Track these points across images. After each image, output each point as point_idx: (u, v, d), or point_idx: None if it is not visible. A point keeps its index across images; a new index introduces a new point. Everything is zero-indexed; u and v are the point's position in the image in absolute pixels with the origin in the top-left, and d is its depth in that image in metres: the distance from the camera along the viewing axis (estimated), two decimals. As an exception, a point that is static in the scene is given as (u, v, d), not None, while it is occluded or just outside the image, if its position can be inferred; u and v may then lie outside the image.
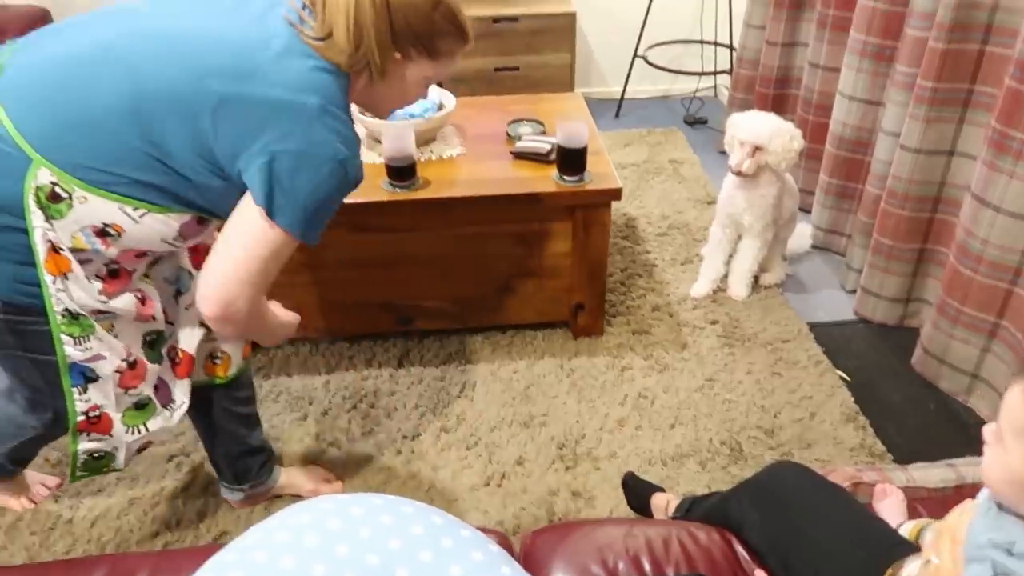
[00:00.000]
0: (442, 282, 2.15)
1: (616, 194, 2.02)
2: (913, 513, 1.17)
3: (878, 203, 2.27)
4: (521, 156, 2.13)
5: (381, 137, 2.11)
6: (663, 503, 1.55)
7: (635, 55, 3.60)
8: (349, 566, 0.83)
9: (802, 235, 2.62)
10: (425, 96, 1.36)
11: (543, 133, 2.24)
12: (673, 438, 1.92)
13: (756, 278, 2.46)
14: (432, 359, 2.18)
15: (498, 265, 2.13)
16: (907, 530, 1.06)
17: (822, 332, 2.28)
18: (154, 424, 1.36)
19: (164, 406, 1.38)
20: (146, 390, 1.33)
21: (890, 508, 1.16)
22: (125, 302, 1.23)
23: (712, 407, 2.01)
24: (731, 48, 3.56)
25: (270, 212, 1.11)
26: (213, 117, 1.08)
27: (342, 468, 1.85)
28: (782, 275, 2.51)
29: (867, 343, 2.27)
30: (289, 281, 2.08)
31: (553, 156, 2.10)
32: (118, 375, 1.25)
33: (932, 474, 1.30)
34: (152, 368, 1.33)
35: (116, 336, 1.24)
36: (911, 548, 0.98)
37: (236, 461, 1.65)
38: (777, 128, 2.17)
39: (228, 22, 1.14)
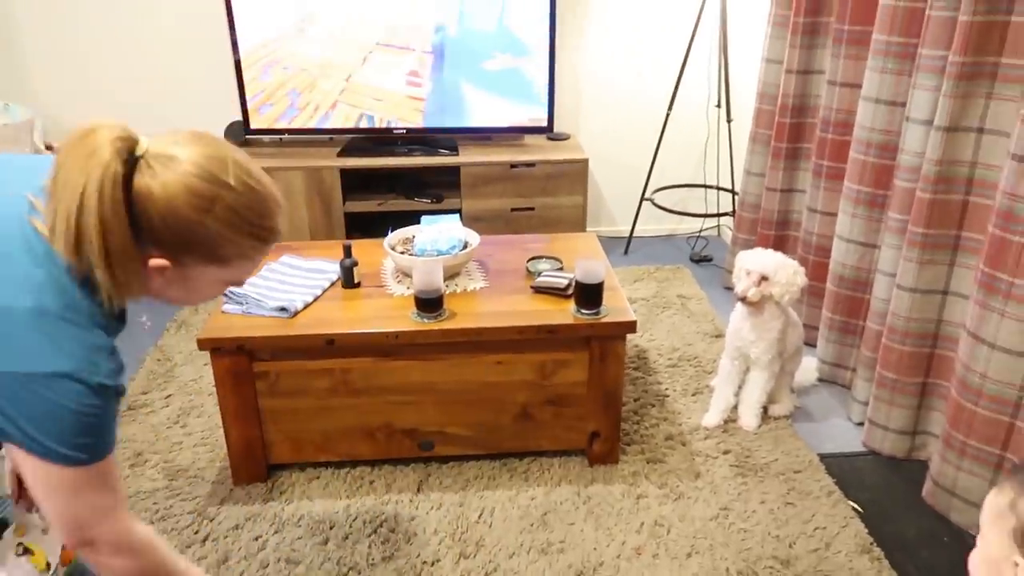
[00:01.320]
0: (464, 409, 2.23)
1: (631, 327, 2.14)
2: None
3: (879, 338, 2.38)
4: (541, 291, 2.27)
5: (410, 271, 2.26)
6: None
7: (643, 197, 3.84)
8: None
9: (808, 368, 2.71)
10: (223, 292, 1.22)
11: (560, 269, 2.39)
12: (690, 567, 1.94)
13: (765, 409, 2.54)
14: (451, 484, 2.23)
15: (518, 393, 2.22)
16: None
17: (832, 463, 2.33)
18: None
19: None
20: None
21: None
22: None
23: (727, 536, 2.04)
24: (732, 192, 3.80)
25: (28, 449, 0.97)
26: None
27: (362, 593, 1.87)
28: (791, 407, 2.58)
29: (877, 475, 2.31)
30: (315, 406, 2.17)
31: (571, 291, 2.24)
32: None
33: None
34: None
35: None
36: None
37: None
38: (783, 262, 2.32)
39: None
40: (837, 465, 2.33)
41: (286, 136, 3.77)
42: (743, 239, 3.39)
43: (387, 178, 3.77)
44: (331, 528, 2.07)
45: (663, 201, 3.89)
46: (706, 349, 2.96)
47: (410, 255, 2.31)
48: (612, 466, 2.30)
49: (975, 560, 0.87)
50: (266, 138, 3.84)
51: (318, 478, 2.25)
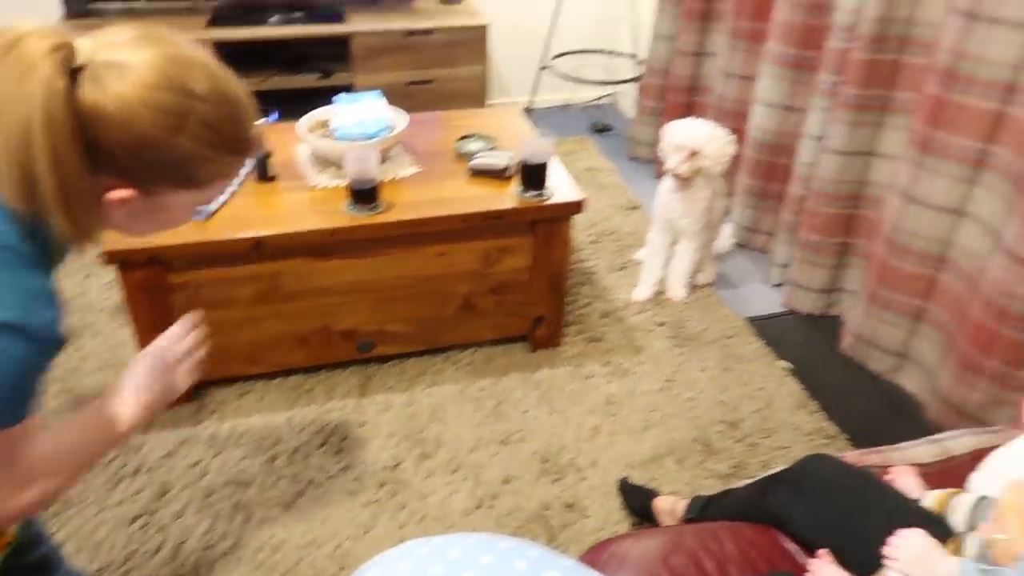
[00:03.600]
0: (403, 305, 2.11)
1: (578, 207, 2.06)
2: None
3: (802, 202, 2.44)
4: (478, 173, 2.13)
5: (336, 159, 2.05)
6: (668, 506, 1.61)
7: (542, 65, 3.67)
8: None
9: (724, 235, 2.77)
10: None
11: (493, 149, 2.25)
12: (647, 440, 1.99)
13: (691, 279, 2.58)
14: (396, 384, 2.15)
15: (460, 284, 2.12)
16: (930, 502, 1.16)
17: (759, 325, 2.43)
18: None
19: None
20: None
21: (909, 486, 1.26)
22: None
23: (676, 407, 2.10)
24: (634, 59, 3.70)
25: None
26: None
27: (326, 507, 1.79)
28: (713, 274, 2.64)
29: (800, 333, 2.43)
30: (242, 316, 1.99)
31: (509, 172, 2.12)
32: None
33: (922, 451, 1.43)
34: None
35: None
36: (942, 523, 1.09)
37: None
38: (712, 134, 2.29)
39: None
40: (763, 327, 2.43)
41: (139, 5, 3.27)
42: (650, 107, 3.34)
43: (264, 52, 3.38)
44: (276, 444, 1.95)
45: (560, 68, 3.74)
46: (624, 222, 2.95)
47: (331, 140, 2.09)
48: (555, 349, 2.28)
49: None
50: (113, 7, 3.32)
51: (250, 392, 2.10)
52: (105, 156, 0.80)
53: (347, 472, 1.88)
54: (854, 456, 1.41)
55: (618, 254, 2.75)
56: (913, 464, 1.40)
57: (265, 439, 1.96)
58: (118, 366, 2.19)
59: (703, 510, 1.48)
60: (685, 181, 2.35)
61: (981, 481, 1.28)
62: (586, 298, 2.51)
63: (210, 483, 1.84)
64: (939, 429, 1.90)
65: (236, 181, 2.02)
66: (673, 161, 2.30)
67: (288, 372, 2.16)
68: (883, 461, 1.40)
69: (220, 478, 1.85)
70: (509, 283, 2.16)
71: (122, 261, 1.83)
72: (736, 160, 2.84)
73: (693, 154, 2.28)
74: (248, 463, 1.89)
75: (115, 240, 1.82)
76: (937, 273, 2.05)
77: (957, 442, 1.45)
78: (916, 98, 2.05)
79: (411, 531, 1.73)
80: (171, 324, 1.92)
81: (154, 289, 1.89)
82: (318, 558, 1.68)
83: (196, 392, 2.09)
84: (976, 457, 1.33)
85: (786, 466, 1.34)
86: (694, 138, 2.27)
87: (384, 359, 2.21)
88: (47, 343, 0.84)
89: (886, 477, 1.29)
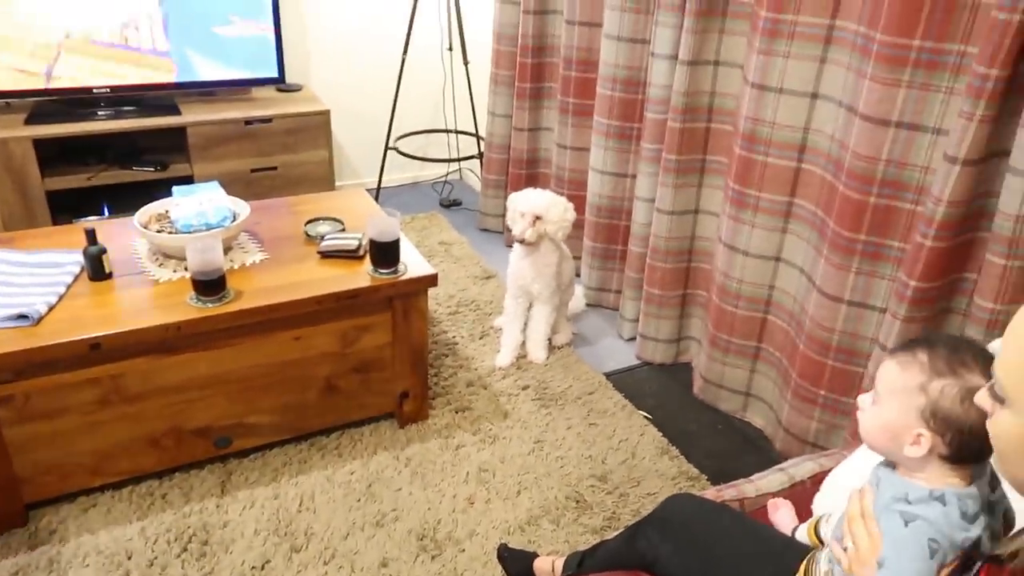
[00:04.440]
0: (262, 395, 2.04)
1: (432, 280, 2.10)
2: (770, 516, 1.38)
3: (643, 259, 2.61)
4: (328, 255, 2.13)
5: (176, 252, 1.99)
6: (547, 567, 1.62)
7: (387, 146, 3.74)
8: None
9: (577, 296, 2.90)
10: None
11: (343, 230, 2.26)
12: (522, 503, 2.00)
13: (549, 340, 2.67)
14: (259, 478, 2.05)
15: (320, 367, 2.09)
16: (803, 533, 1.24)
17: (617, 379, 2.54)
18: None
19: None
20: None
21: (783, 517, 1.35)
22: None
23: (548, 467, 2.13)
24: (476, 136, 3.86)
25: None
26: None
27: (190, 619, 1.66)
28: (570, 334, 2.75)
29: (654, 382, 2.56)
30: (81, 424, 1.86)
31: (362, 252, 2.13)
32: None
33: (772, 480, 1.53)
34: None
35: None
36: (809, 548, 1.17)
37: None
38: (553, 200, 2.42)
39: None
40: (621, 380, 2.54)
41: (-54, 104, 3.06)
42: (493, 179, 3.48)
43: (93, 147, 3.24)
44: (129, 558, 1.80)
45: (404, 149, 3.83)
46: (480, 291, 3.02)
47: (171, 233, 2.02)
48: (423, 423, 2.28)
49: (872, 424, 0.98)
50: (-84, 108, 3.09)
51: (95, 505, 1.94)
52: None
53: (211, 578, 1.76)
54: (712, 493, 1.49)
55: (478, 322, 2.81)
56: (766, 494, 1.50)
57: (115, 555, 1.81)
58: (-65, 496, 1.95)
59: (579, 566, 1.51)
60: (532, 246, 2.46)
61: (824, 501, 1.40)
62: (450, 368, 2.53)
63: (53, 613, 1.67)
64: (786, 459, 2.05)
65: (64, 281, 1.92)
66: (519, 228, 2.41)
67: (138, 479, 2.01)
68: (739, 494, 1.49)
69: (65, 606, 1.68)
70: (371, 361, 2.15)
71: (-63, 376, 1.67)
72: (579, 224, 3.01)
73: (537, 219, 2.40)
74: (97, 584, 1.73)
75: (-72, 354, 1.66)
76: (766, 315, 2.24)
77: (799, 468, 1.57)
78: (726, 160, 2.27)
79: (286, 632, 1.64)
80: (-1, 441, 1.77)
81: (-23, 404, 1.73)
82: (184, 677, 1.54)
83: (32, 512, 1.90)
84: (817, 480, 1.45)
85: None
86: (536, 205, 2.39)
87: (245, 452, 2.12)
88: None
89: (767, 511, 1.37)
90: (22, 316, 1.78)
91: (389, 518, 1.94)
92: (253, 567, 1.79)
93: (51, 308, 1.85)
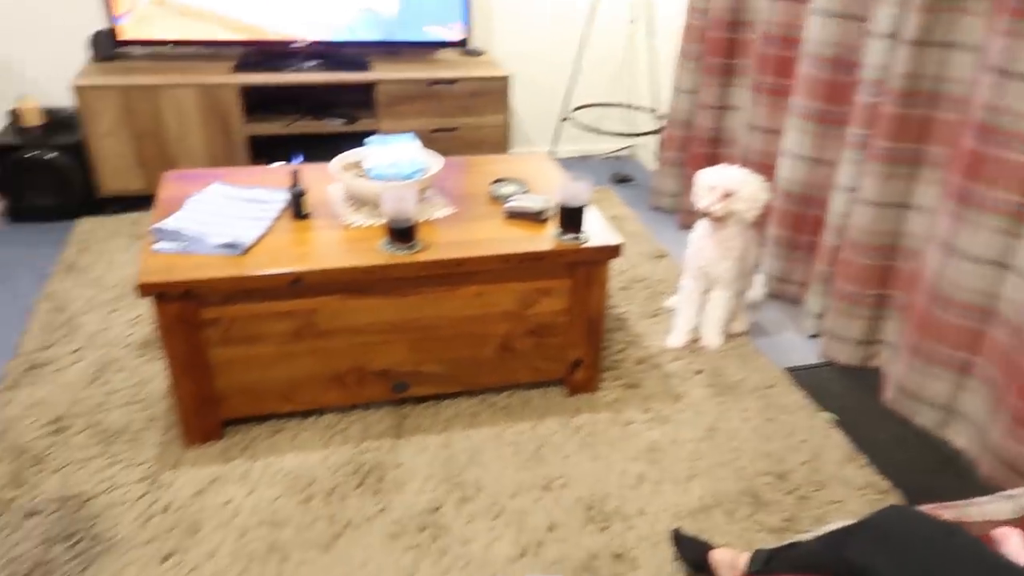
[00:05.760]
0: (440, 345, 2.07)
1: (616, 251, 2.05)
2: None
3: (836, 253, 2.43)
4: (514, 216, 2.12)
5: (370, 199, 2.04)
6: (728, 559, 1.54)
7: (562, 117, 3.71)
8: None
9: (757, 284, 2.75)
10: None
11: (526, 192, 2.24)
12: (694, 490, 1.93)
13: (725, 327, 2.55)
14: (431, 426, 2.09)
15: (498, 325, 2.09)
16: None
17: (798, 376, 2.39)
18: None
19: None
20: None
21: (1016, 547, 1.21)
22: None
23: (721, 457, 2.04)
24: (654, 112, 3.75)
25: None
26: None
27: (365, 549, 1.71)
28: (747, 324, 2.62)
29: (840, 384, 2.39)
30: (275, 353, 1.94)
31: (545, 216, 2.11)
32: None
33: (1000, 507, 1.38)
34: None
35: None
36: None
37: None
38: (747, 177, 2.30)
39: None
40: (803, 378, 2.39)
41: (167, 48, 3.30)
42: (671, 157, 3.36)
43: (290, 98, 3.41)
44: (311, 484, 1.88)
45: (579, 120, 3.78)
46: (652, 270, 2.93)
47: (367, 180, 2.08)
48: (592, 394, 2.24)
49: None
50: (139, 51, 3.35)
51: (283, 430, 2.04)
52: None
53: (386, 514, 1.81)
54: (927, 511, 1.36)
55: (649, 301, 2.73)
56: (989, 520, 1.35)
57: (300, 478, 1.89)
58: (143, 402, 2.12)
59: (767, 563, 1.42)
60: (719, 223, 2.34)
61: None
62: (620, 344, 2.47)
63: (243, 523, 1.76)
64: (995, 486, 1.85)
65: (269, 216, 2.01)
66: (707, 200, 2.30)
67: (322, 412, 2.10)
68: (959, 516, 1.34)
69: (254, 518, 1.78)
70: (547, 325, 2.13)
71: (158, 294, 1.79)
72: (764, 210, 2.85)
73: (727, 195, 2.28)
74: (283, 503, 1.82)
75: (151, 273, 1.79)
76: (983, 326, 2.03)
77: (1034, 493, 1.40)
78: (949, 152, 2.06)
79: (454, 579, 1.66)
80: (204, 359, 1.89)
81: (187, 323, 1.85)
82: (358, 606, 1.59)
83: (227, 428, 2.02)
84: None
85: (854, 520, 1.28)
86: (729, 180, 2.28)
87: (419, 400, 2.16)
88: None
89: (993, 540, 1.24)
90: (231, 245, 1.88)
91: (557, 483, 1.92)
92: (424, 510, 1.82)
93: (257, 241, 1.94)
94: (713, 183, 2.30)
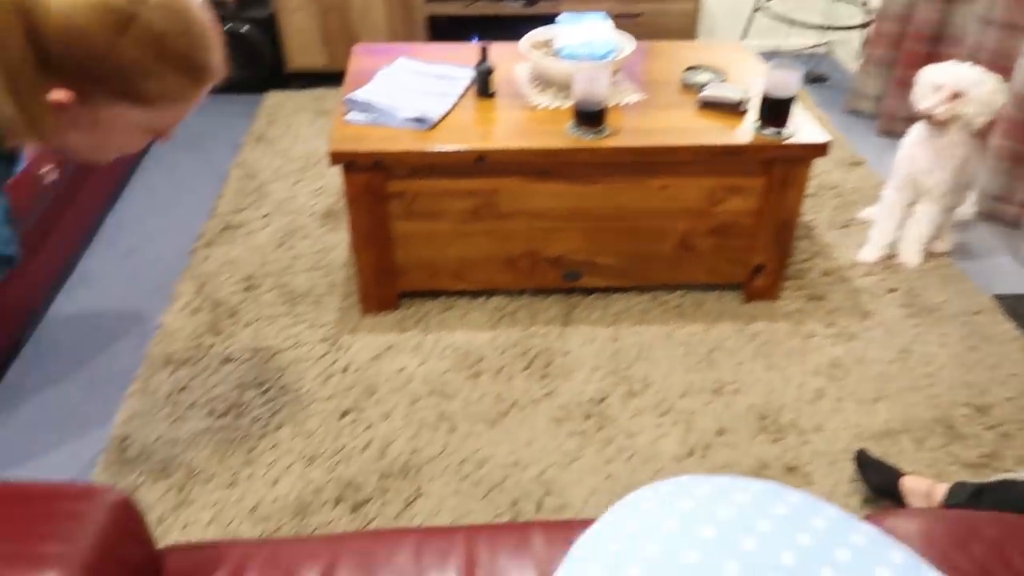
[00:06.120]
0: (617, 237, 2.00)
1: (822, 149, 1.86)
2: None
3: (1080, 170, 2.11)
4: (708, 105, 1.97)
5: (560, 79, 1.95)
6: (923, 488, 1.43)
7: (755, 7, 3.40)
8: (763, 563, 0.70)
9: (968, 201, 2.46)
10: (143, 145, 0.93)
11: (723, 81, 2.08)
12: (879, 413, 1.79)
13: (927, 245, 2.32)
14: (600, 318, 2.05)
15: (680, 221, 1.98)
16: None
17: (1009, 305, 2.14)
18: None
19: None
20: None
21: None
22: None
23: (913, 381, 1.88)
24: (864, 5, 3.36)
25: None
26: None
27: (530, 430, 1.73)
28: (950, 243, 2.36)
29: (1056, 319, 2.13)
30: (453, 230, 1.95)
31: (743, 107, 1.94)
32: None
33: None
34: None
35: None
36: None
37: None
38: (981, 76, 2.01)
39: None
40: (1015, 307, 2.14)
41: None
42: (878, 55, 3.01)
43: (472, -24, 3.31)
44: (480, 361, 1.91)
45: (774, 10, 3.45)
46: (845, 177, 2.69)
47: (557, 60, 1.98)
48: (771, 303, 2.11)
49: None
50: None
51: (454, 307, 2.07)
52: (46, 55, 0.75)
53: (551, 398, 1.81)
54: None
55: (840, 211, 2.51)
56: None
57: (468, 355, 1.93)
58: (324, 268, 2.22)
59: (974, 498, 1.29)
60: (940, 128, 2.08)
61: None
62: (805, 253, 2.30)
63: (415, 390, 1.83)
64: None
65: (455, 93, 1.97)
66: (930, 101, 2.04)
67: (491, 293, 2.11)
68: None
69: (425, 387, 1.84)
70: (732, 226, 2.00)
71: (348, 163, 1.82)
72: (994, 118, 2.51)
73: (956, 96, 2.01)
74: (452, 376, 1.87)
75: (343, 141, 1.82)
76: None
77: None
78: None
79: (618, 468, 1.64)
80: (386, 231, 1.92)
81: (373, 195, 1.88)
82: (523, 480, 1.62)
83: (400, 301, 2.08)
84: None
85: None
86: (959, 79, 2.00)
87: (587, 291, 2.12)
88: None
89: None
90: (420, 119, 1.87)
91: (729, 389, 1.84)
92: (591, 399, 1.81)
93: (443, 116, 1.92)
94: (940, 81, 2.03)
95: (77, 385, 1.86)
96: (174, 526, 1.52)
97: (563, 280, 2.07)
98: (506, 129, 1.88)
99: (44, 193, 1.96)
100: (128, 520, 0.89)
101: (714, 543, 0.74)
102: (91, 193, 2.30)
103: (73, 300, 2.13)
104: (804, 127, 1.89)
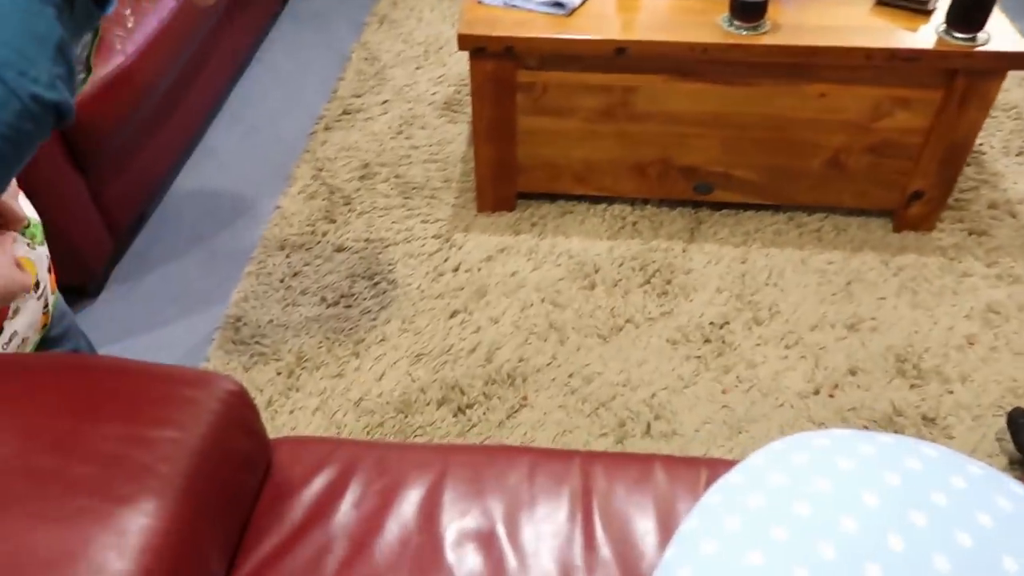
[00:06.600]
0: (759, 149, 1.82)
1: (1020, 60, 1.60)
2: None
3: None
4: (887, 3, 1.72)
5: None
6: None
7: None
8: (890, 524, 0.59)
9: None
10: None
11: (908, -25, 1.80)
12: (1040, 368, 1.60)
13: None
14: (729, 236, 1.90)
15: (834, 135, 1.78)
16: None
17: None
18: None
19: None
20: None
21: None
22: None
23: (1084, 337, 1.67)
24: None
25: None
26: None
27: (644, 349, 1.64)
28: None
29: None
30: (582, 129, 1.82)
31: (931, 5, 1.69)
32: None
33: None
34: None
35: None
36: None
37: None
38: None
39: None
40: None
41: None
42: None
43: None
44: (595, 272, 1.82)
45: None
46: (1026, 98, 2.36)
47: (717, -59, 1.76)
48: (924, 234, 1.90)
49: None
50: None
51: (572, 212, 1.97)
52: None
53: (669, 318, 1.71)
54: None
55: (1016, 135, 2.21)
56: None
57: (584, 264, 1.83)
58: (441, 161, 2.14)
59: None
60: None
61: None
62: (971, 182, 2.05)
63: (527, 297, 1.76)
64: None
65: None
66: None
67: (612, 200, 1.99)
68: None
69: (537, 294, 1.77)
70: (894, 144, 1.78)
71: (476, 48, 1.70)
72: None
73: None
74: (565, 285, 1.78)
75: (473, 24, 1.69)
76: None
77: None
78: None
79: (735, 398, 1.54)
80: (511, 125, 1.82)
81: (501, 85, 1.76)
82: (632, 400, 1.55)
83: (517, 201, 1.99)
84: None
85: None
86: None
87: (718, 206, 1.97)
88: (43, 107, 0.67)
89: None
90: (559, 3, 1.72)
91: (866, 326, 1.69)
92: (711, 322, 1.70)
93: (584, 2, 1.76)
94: None
95: (196, 261, 1.89)
96: (282, 411, 1.54)
97: (693, 192, 1.92)
98: (652, 19, 1.71)
99: (172, 64, 1.94)
100: (241, 409, 0.87)
101: (878, 514, 0.63)
102: (217, 67, 2.28)
103: (197, 175, 2.15)
104: (1000, 33, 1.62)
